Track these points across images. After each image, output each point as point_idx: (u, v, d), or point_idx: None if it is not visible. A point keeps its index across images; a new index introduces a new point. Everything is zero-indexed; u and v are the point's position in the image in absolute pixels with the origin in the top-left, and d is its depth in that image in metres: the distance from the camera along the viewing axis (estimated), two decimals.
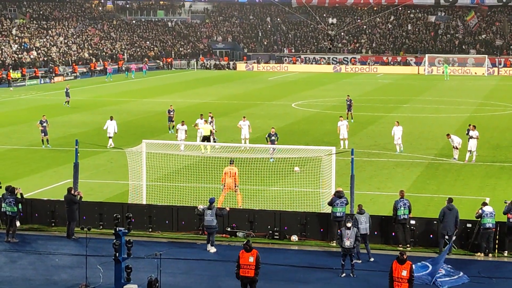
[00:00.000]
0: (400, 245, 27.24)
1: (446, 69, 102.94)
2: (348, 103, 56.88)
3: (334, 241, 27.77)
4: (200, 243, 28.07)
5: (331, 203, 27.81)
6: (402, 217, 27.25)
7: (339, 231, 25.23)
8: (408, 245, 27.34)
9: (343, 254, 24.55)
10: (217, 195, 32.51)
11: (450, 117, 60.10)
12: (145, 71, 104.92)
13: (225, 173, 32.03)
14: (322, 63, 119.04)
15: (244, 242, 21.95)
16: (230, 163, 32.43)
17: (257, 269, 21.42)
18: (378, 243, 27.47)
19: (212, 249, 27.36)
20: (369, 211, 27.11)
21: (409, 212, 27.41)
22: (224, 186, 31.86)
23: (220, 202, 31.12)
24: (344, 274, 24.46)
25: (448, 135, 42.40)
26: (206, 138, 44.16)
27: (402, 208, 27.26)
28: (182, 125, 45.17)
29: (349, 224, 24.63)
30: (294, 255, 27.13)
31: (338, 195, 27.76)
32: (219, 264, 25.52)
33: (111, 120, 46.59)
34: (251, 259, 21.40)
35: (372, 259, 26.04)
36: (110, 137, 46.17)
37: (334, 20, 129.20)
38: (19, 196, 28.43)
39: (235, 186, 31.70)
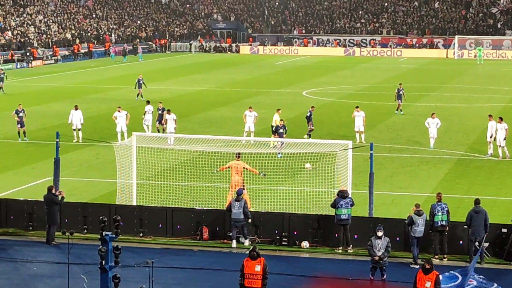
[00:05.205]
0: (436, 256, 27.05)
1: (480, 52, 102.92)
2: (400, 92, 56.59)
3: (340, 248, 27.81)
4: (197, 250, 28.12)
5: (334, 205, 27.79)
6: (440, 224, 26.87)
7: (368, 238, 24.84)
8: (445, 256, 27.05)
9: (372, 267, 24.41)
10: (218, 194, 32.56)
11: (483, 107, 60.05)
12: (140, 55, 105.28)
13: (230, 167, 31.87)
14: (338, 45, 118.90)
15: (250, 249, 21.94)
16: (237, 157, 32.25)
17: (264, 279, 21.39)
18: (402, 250, 27.41)
19: (246, 242, 28.16)
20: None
21: (448, 217, 27.18)
22: (231, 184, 31.64)
23: (228, 202, 30.97)
24: None
25: (490, 116, 42.22)
26: (275, 130, 42.99)
27: (440, 213, 26.87)
28: (169, 114, 44.62)
29: (380, 233, 24.45)
30: (304, 263, 27.19)
31: (342, 195, 27.74)
32: (220, 273, 25.50)
33: (76, 110, 46.16)
34: (258, 268, 21.36)
35: (417, 266, 25.80)
36: (77, 129, 45.47)
37: None
38: None
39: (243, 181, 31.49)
